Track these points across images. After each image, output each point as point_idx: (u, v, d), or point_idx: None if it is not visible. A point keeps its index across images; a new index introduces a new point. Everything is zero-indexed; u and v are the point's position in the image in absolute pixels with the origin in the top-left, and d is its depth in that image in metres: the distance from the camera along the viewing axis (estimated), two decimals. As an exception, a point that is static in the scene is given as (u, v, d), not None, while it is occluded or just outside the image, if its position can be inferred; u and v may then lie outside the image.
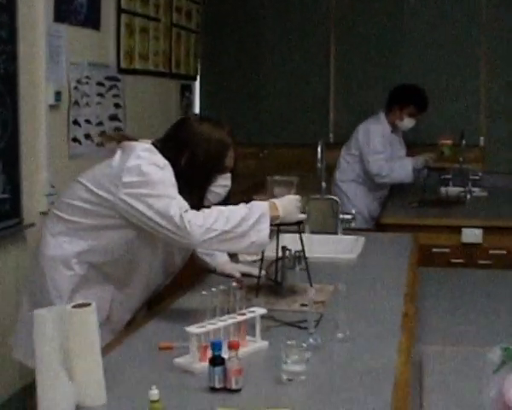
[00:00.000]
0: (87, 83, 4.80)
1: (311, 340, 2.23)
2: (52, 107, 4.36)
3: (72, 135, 4.63)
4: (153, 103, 6.01)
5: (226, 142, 2.73)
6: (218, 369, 1.90)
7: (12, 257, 4.06)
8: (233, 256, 3.27)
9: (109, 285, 2.77)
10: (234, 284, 2.25)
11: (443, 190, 5.58)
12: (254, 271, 3.04)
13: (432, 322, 3.09)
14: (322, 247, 3.71)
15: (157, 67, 6.02)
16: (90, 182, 2.68)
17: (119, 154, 2.66)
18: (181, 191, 2.59)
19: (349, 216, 4.02)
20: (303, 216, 2.73)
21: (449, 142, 5.64)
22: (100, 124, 5.00)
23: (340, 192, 5.62)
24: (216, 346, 1.91)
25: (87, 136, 4.82)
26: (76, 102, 4.67)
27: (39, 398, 1.74)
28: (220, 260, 3.15)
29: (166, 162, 2.62)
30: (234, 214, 2.51)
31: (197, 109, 7.16)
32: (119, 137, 2.74)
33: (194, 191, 2.67)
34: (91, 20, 4.87)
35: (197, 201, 2.67)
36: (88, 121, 4.83)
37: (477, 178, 6.00)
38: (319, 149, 3.92)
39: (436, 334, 2.97)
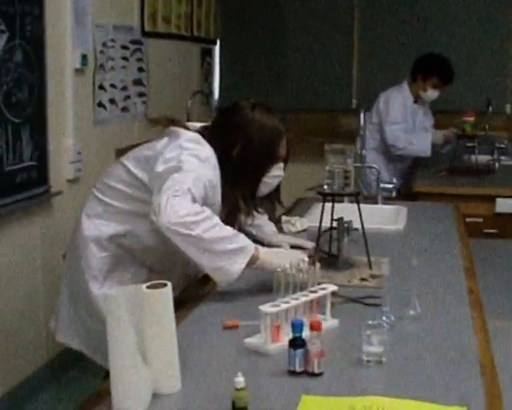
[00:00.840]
0: (112, 46, 4.64)
1: (384, 318, 2.10)
2: (78, 71, 4.21)
3: (97, 100, 4.48)
4: (174, 68, 5.84)
5: (280, 129, 2.60)
6: (299, 351, 1.76)
7: (39, 225, 3.96)
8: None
9: (144, 268, 2.67)
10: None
11: (472, 158, 5.43)
12: (305, 243, 2.90)
13: (487, 295, 2.96)
14: (365, 217, 3.55)
15: (179, 30, 5.85)
16: (130, 162, 2.58)
17: (165, 139, 2.53)
18: (233, 182, 2.48)
19: (390, 185, 3.88)
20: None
21: (471, 119, 5.42)
22: (124, 89, 4.85)
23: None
24: (297, 327, 1.77)
25: (112, 101, 4.67)
26: (101, 66, 4.51)
27: (113, 384, 1.60)
28: (268, 232, 3.00)
29: (210, 155, 2.46)
30: (220, 229, 2.28)
31: (217, 74, 6.98)
32: (165, 121, 2.60)
33: (247, 182, 2.55)
34: (116, -19, 4.71)
35: (250, 192, 2.57)
36: (113, 86, 4.67)
37: (503, 146, 5.84)
38: (362, 116, 3.77)
39: (495, 308, 2.86)
